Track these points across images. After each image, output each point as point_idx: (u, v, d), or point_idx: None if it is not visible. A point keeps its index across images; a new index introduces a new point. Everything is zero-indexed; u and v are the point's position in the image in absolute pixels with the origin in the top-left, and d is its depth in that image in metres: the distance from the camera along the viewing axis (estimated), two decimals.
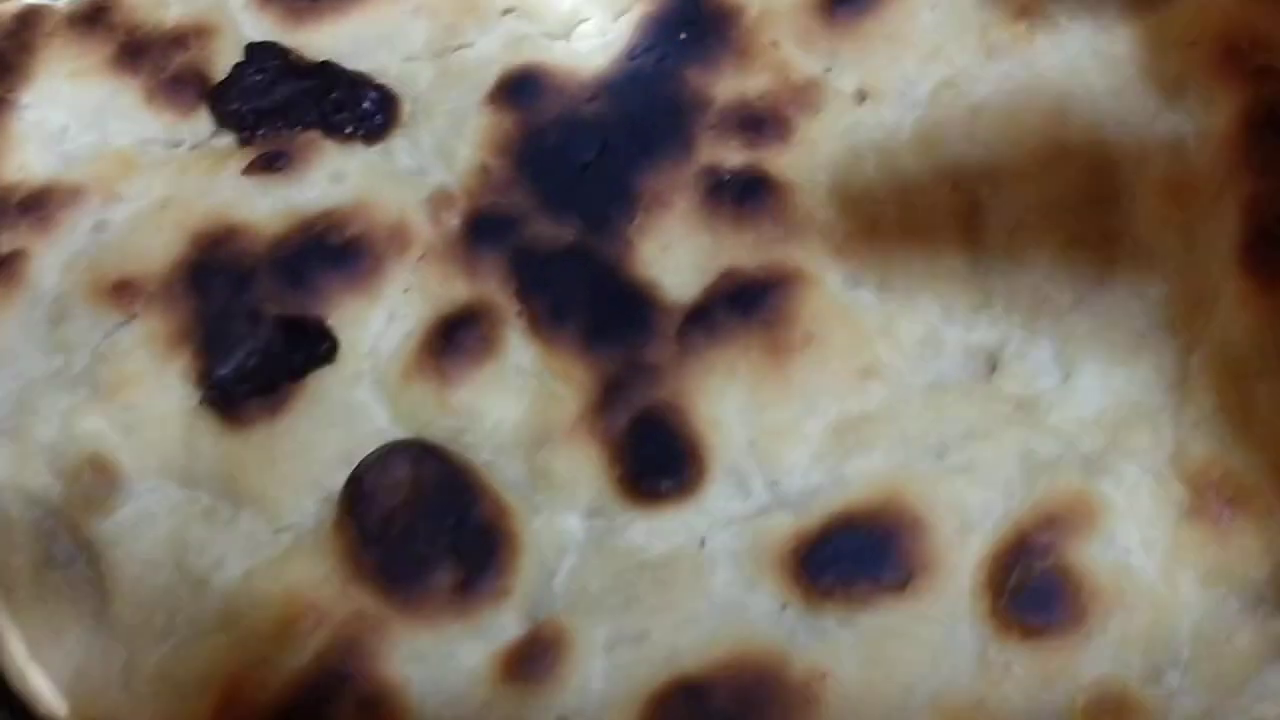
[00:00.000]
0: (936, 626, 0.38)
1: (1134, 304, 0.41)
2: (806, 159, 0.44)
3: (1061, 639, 0.37)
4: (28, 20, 0.48)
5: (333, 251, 0.44)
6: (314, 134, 0.46)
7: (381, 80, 0.47)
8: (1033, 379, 0.41)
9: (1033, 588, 0.38)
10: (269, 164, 0.45)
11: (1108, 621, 0.37)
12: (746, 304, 0.42)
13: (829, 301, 0.42)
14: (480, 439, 0.42)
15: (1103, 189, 0.43)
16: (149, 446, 0.42)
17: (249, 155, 0.46)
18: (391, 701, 0.39)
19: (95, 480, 0.42)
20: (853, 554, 0.39)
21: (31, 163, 0.46)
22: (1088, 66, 0.44)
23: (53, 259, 0.45)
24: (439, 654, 0.39)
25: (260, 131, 0.46)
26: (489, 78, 0.46)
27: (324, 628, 0.39)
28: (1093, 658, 0.37)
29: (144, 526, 0.42)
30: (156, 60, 0.47)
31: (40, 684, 0.41)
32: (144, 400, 0.43)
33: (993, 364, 0.41)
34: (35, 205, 0.45)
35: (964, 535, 0.39)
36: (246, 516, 0.41)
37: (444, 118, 0.46)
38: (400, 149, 0.46)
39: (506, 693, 0.39)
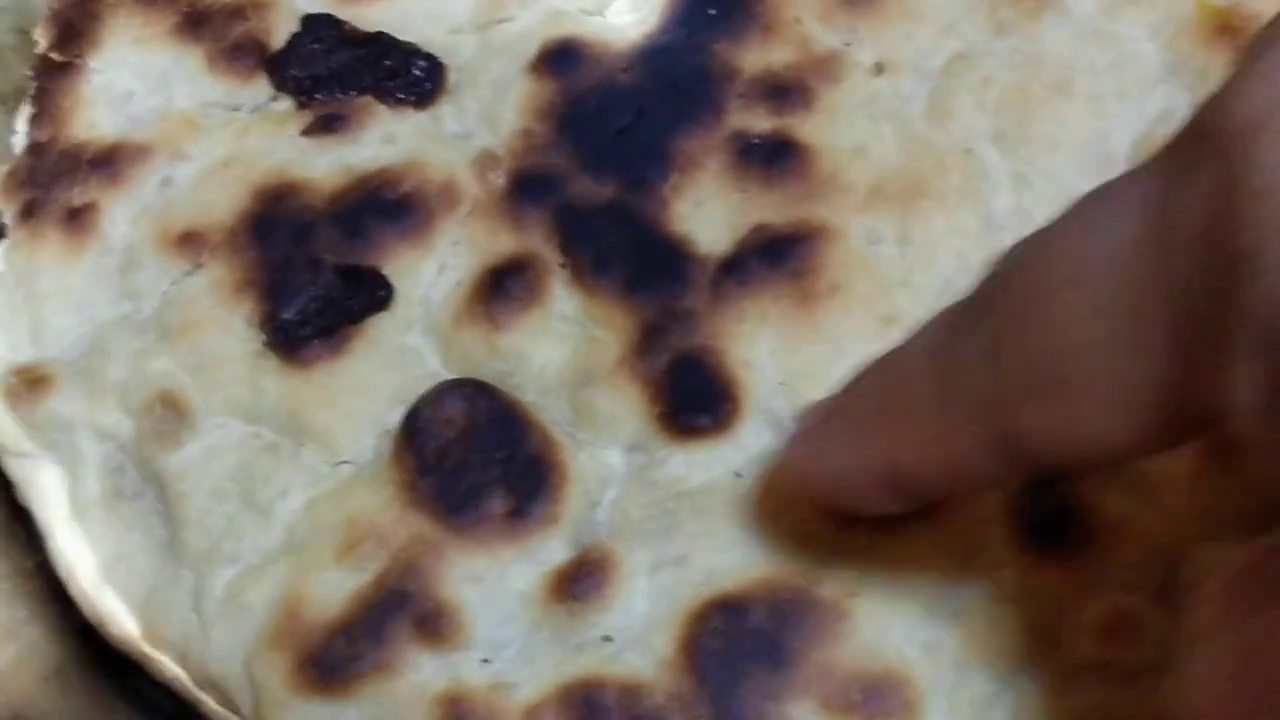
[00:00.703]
0: (953, 553, 0.41)
1: None
2: (829, 125, 0.47)
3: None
4: None
5: (388, 205, 0.46)
6: (368, 99, 0.49)
7: (429, 50, 0.50)
8: None
9: None
10: (326, 126, 0.48)
11: None
12: (775, 255, 0.45)
13: (852, 254, 0.45)
14: (527, 380, 0.45)
15: (1103, 153, 0.46)
16: (216, 385, 0.45)
17: (307, 118, 0.48)
18: (448, 618, 0.41)
19: (165, 417, 0.45)
20: None
21: (100, 123, 0.49)
22: (1090, 44, 0.47)
23: (122, 211, 0.47)
24: (492, 575, 0.42)
25: (317, 96, 0.49)
26: (530, 49, 0.49)
27: (384, 551, 0.42)
28: None
29: (211, 460, 0.44)
30: (217, 29, 0.50)
31: (112, 606, 0.44)
32: (211, 343, 0.45)
33: None
34: (105, 161, 0.48)
35: None
36: (308, 450, 0.44)
37: (487, 86, 0.49)
38: (447, 114, 0.49)
39: (556, 611, 0.41)
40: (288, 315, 0.45)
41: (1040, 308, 0.32)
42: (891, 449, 0.37)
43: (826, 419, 0.40)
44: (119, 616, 0.44)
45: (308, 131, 0.48)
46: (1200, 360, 0.29)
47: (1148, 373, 0.30)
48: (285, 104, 0.49)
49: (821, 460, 0.40)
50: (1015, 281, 0.34)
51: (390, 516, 0.43)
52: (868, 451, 0.38)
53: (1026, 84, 0.47)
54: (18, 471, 0.45)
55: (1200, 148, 0.29)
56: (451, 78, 0.49)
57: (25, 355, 0.46)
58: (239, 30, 0.50)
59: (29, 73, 0.50)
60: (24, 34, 0.55)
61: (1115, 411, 0.31)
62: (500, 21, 0.50)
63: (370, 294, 0.45)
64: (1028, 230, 0.43)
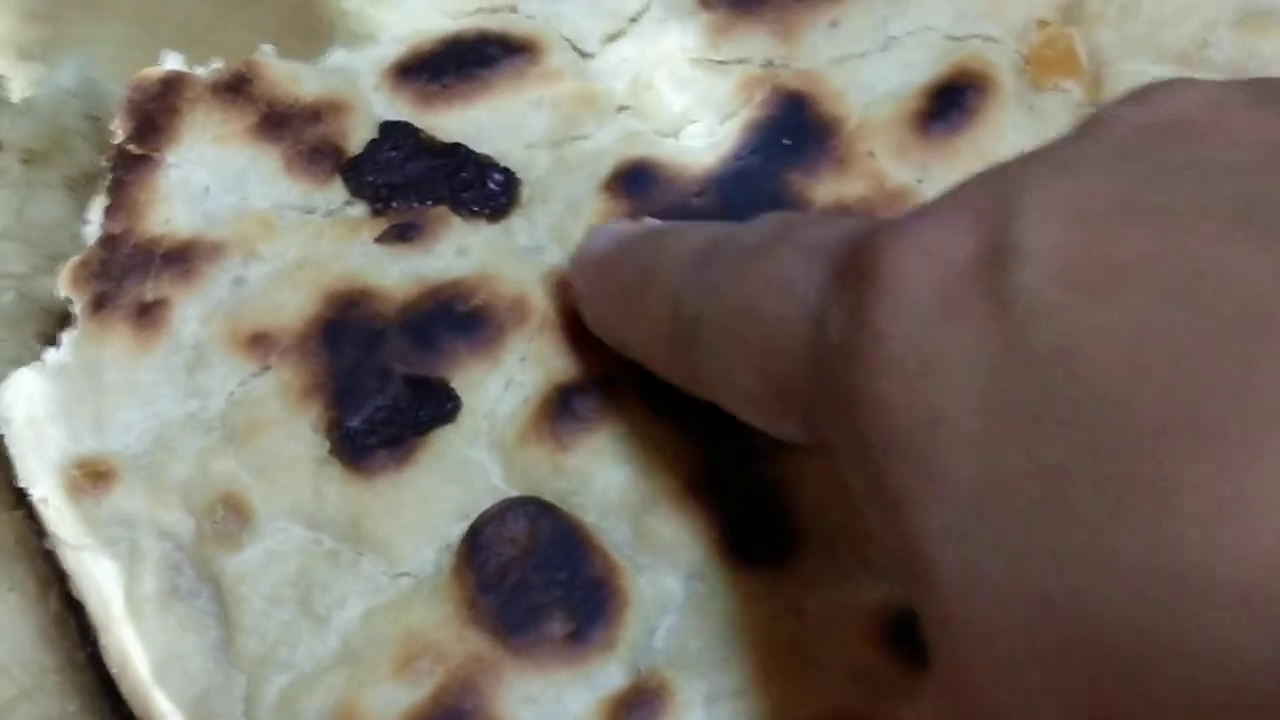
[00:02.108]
0: None
1: None
2: None
3: None
4: (173, 85, 0.51)
5: (458, 318, 0.47)
6: (443, 209, 0.49)
7: (504, 163, 0.50)
8: None
9: None
10: (401, 234, 0.48)
11: None
12: None
13: None
14: (589, 501, 0.45)
15: None
16: (279, 489, 0.45)
17: (381, 225, 0.49)
18: None
19: (226, 518, 0.45)
20: None
21: (176, 218, 0.49)
22: None
23: (193, 309, 0.47)
24: (549, 698, 0.42)
25: (393, 204, 0.49)
26: (604, 168, 0.49)
27: (441, 667, 0.42)
28: None
29: (270, 564, 0.44)
30: (295, 131, 0.50)
31: (163, 705, 0.44)
32: (276, 446, 0.45)
33: None
34: (179, 258, 0.48)
35: None
36: (368, 560, 0.44)
37: (560, 202, 0.49)
38: (519, 228, 0.49)
39: None
40: (354, 423, 0.45)
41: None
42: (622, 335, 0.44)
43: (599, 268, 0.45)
44: (169, 717, 0.44)
45: (382, 239, 0.48)
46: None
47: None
48: (359, 209, 0.49)
49: (585, 307, 0.45)
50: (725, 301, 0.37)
51: (448, 633, 0.42)
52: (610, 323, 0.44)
53: None
54: (74, 564, 0.45)
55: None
56: (525, 192, 0.50)
57: (88, 447, 0.46)
58: (316, 133, 0.50)
59: (104, 162, 0.50)
60: (94, 120, 0.56)
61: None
62: (575, 139, 0.50)
63: (438, 406, 0.45)
64: None
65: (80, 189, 0.54)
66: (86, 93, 0.56)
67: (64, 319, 0.50)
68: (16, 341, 0.51)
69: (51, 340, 0.49)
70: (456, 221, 0.49)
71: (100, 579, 0.45)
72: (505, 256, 0.48)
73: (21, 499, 0.46)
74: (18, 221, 0.53)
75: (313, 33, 0.57)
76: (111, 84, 0.56)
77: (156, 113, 0.50)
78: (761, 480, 0.44)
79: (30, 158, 0.55)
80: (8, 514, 0.47)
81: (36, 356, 0.49)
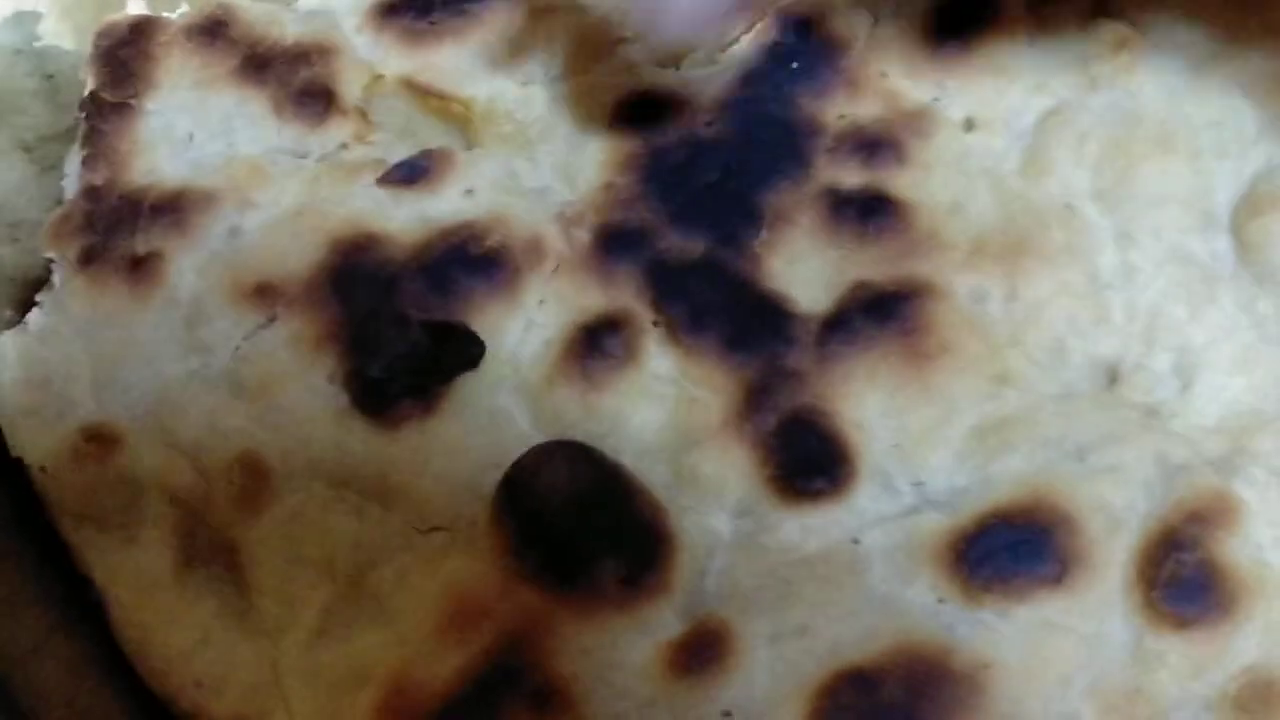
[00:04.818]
0: (1091, 619, 0.39)
1: (1243, 319, 0.43)
2: (923, 180, 0.46)
3: (1212, 629, 0.39)
4: (144, 29, 0.48)
5: (473, 260, 0.44)
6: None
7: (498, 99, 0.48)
8: (1153, 388, 0.43)
9: (1184, 580, 0.39)
10: (404, 177, 0.46)
11: (1254, 612, 0.39)
12: (882, 314, 0.43)
13: (959, 313, 0.43)
14: (624, 443, 0.42)
15: (1205, 210, 0.45)
16: (296, 446, 0.42)
17: (381, 168, 0.46)
18: (563, 694, 0.39)
19: (243, 479, 0.42)
20: (1008, 549, 0.40)
21: (160, 167, 0.46)
22: (1185, 99, 0.46)
23: (188, 261, 0.45)
24: (605, 649, 0.39)
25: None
26: (606, 102, 0.47)
27: (489, 624, 0.40)
28: (1242, 646, 0.39)
29: (292, 525, 0.42)
30: (280, 74, 0.47)
31: (182, 677, 0.41)
32: (290, 400, 0.43)
33: (1114, 375, 0.43)
34: (168, 208, 0.45)
35: (1111, 532, 0.40)
36: (397, 515, 0.42)
37: (561, 140, 0.47)
38: (522, 170, 0.47)
39: (673, 687, 0.39)
40: (374, 372, 0.43)
41: None
42: None
43: None
44: (189, 689, 0.41)
45: (383, 181, 0.46)
46: None
47: None
48: (355, 153, 0.47)
49: None
50: None
51: (492, 587, 0.40)
52: None
53: (1125, 140, 0.46)
54: (79, 537, 0.42)
55: None
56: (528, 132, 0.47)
57: (88, 411, 0.43)
58: (304, 75, 0.47)
59: (78, 113, 0.47)
60: (49, 78, 0.52)
61: None
62: (573, 74, 0.48)
63: (461, 351, 0.43)
64: (1136, 288, 0.43)
65: (37, 151, 0.51)
66: (36, 52, 0.53)
67: (36, 286, 0.47)
68: None
69: (27, 308, 0.46)
70: (462, 161, 0.46)
71: (108, 551, 0.42)
72: (514, 197, 0.46)
73: (15, 471, 0.43)
74: None
75: None
76: (60, 40, 0.53)
77: (130, 59, 0.47)
78: (803, 406, 0.42)
79: None
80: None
81: (12, 326, 0.46)
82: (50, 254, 0.45)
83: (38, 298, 0.45)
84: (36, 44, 0.52)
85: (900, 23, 0.48)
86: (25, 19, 0.53)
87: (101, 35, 0.48)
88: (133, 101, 0.47)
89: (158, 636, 0.41)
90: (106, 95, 0.47)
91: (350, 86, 0.47)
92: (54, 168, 0.50)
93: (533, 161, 0.47)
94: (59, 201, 0.48)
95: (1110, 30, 0.47)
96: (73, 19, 0.53)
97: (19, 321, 0.46)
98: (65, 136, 0.51)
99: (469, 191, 0.46)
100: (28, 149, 0.51)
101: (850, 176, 0.46)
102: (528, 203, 0.46)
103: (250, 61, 0.48)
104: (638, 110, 0.47)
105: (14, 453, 0.43)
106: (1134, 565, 0.40)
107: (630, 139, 0.47)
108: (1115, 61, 0.47)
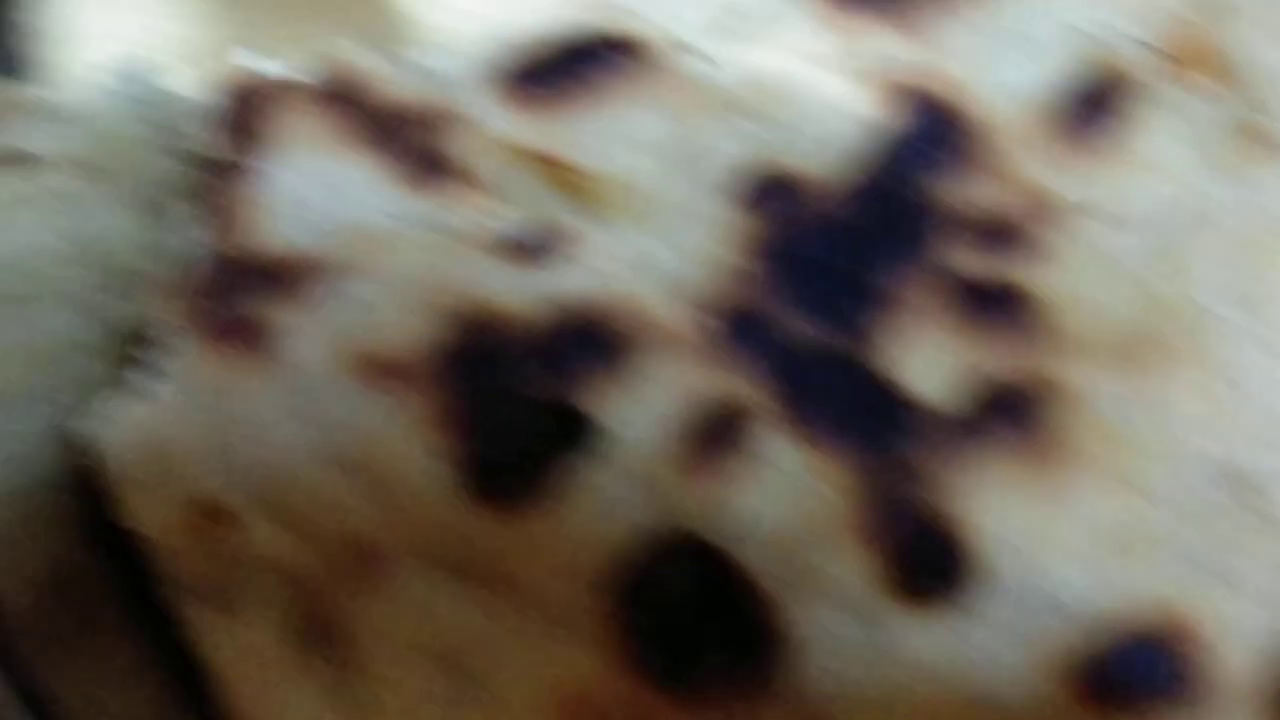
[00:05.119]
0: None
1: None
2: (1054, 274, 0.45)
3: None
4: (267, 86, 0.47)
5: (595, 341, 0.43)
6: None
7: (617, 173, 0.47)
8: None
9: None
10: (523, 250, 0.45)
11: None
12: (1009, 413, 0.42)
13: (1091, 415, 0.42)
14: (742, 536, 0.42)
15: None
16: (409, 528, 0.42)
17: (501, 241, 0.45)
18: None
19: (354, 560, 0.41)
20: (1133, 665, 0.39)
21: (282, 232, 0.45)
22: None
23: (306, 331, 0.44)
24: None
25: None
26: (730, 178, 0.46)
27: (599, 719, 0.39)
28: None
29: (402, 609, 0.41)
30: (405, 139, 0.46)
31: None
32: (404, 481, 0.42)
33: (1250, 485, 0.42)
34: (288, 276, 0.44)
35: (1242, 649, 0.39)
36: (510, 604, 0.41)
37: (687, 216, 0.46)
38: (647, 248, 0.46)
39: None
40: (490, 456, 0.42)
41: None
42: None
43: None
44: None
45: (506, 256, 0.45)
46: None
47: None
48: (480, 224, 0.46)
49: None
50: None
51: (605, 683, 0.40)
52: None
53: (1267, 239, 0.44)
54: (189, 612, 0.42)
55: None
56: (651, 206, 0.46)
57: (203, 485, 0.42)
58: (429, 141, 0.46)
59: (197, 171, 0.47)
60: (164, 128, 0.52)
61: None
62: (695, 146, 0.47)
63: (579, 436, 0.42)
64: (1276, 395, 0.42)
65: (150, 202, 0.50)
66: (148, 98, 0.52)
67: (142, 340, 0.46)
68: (91, 367, 0.47)
69: (132, 363, 0.45)
70: (586, 237, 0.45)
71: (218, 628, 0.42)
72: (638, 275, 0.45)
73: (122, 540, 0.43)
74: (71, 240, 0.49)
75: (381, 24, 0.54)
76: (177, 87, 0.52)
77: (252, 117, 0.47)
78: (925, 506, 0.41)
79: (83, 171, 0.51)
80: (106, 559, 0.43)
81: (116, 383, 0.45)
82: (165, 317, 0.44)
83: (148, 359, 0.44)
84: (152, 92, 0.52)
85: (1035, 107, 0.47)
86: (141, 66, 0.52)
87: (223, 91, 0.47)
88: (255, 163, 0.46)
89: (267, 717, 0.41)
90: (228, 155, 0.46)
91: (476, 154, 0.46)
92: (164, 219, 0.50)
93: (654, 235, 0.46)
94: (168, 255, 0.47)
95: (1250, 124, 0.46)
96: (191, 67, 0.52)
97: (124, 380, 0.45)
98: (177, 188, 0.50)
99: (593, 269, 0.45)
100: (138, 199, 0.50)
101: (979, 265, 0.45)
102: (652, 283, 0.45)
103: (374, 124, 0.47)
104: (764, 189, 0.46)
105: (124, 522, 0.42)
106: (1267, 687, 0.39)
107: (756, 217, 0.46)
108: (1250, 154, 0.46)
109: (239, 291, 0.44)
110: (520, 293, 0.44)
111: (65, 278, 0.48)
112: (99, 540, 0.43)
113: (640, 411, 0.43)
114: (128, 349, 0.47)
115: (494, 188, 0.46)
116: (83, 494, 0.43)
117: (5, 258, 0.47)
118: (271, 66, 0.48)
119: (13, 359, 0.46)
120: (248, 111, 0.47)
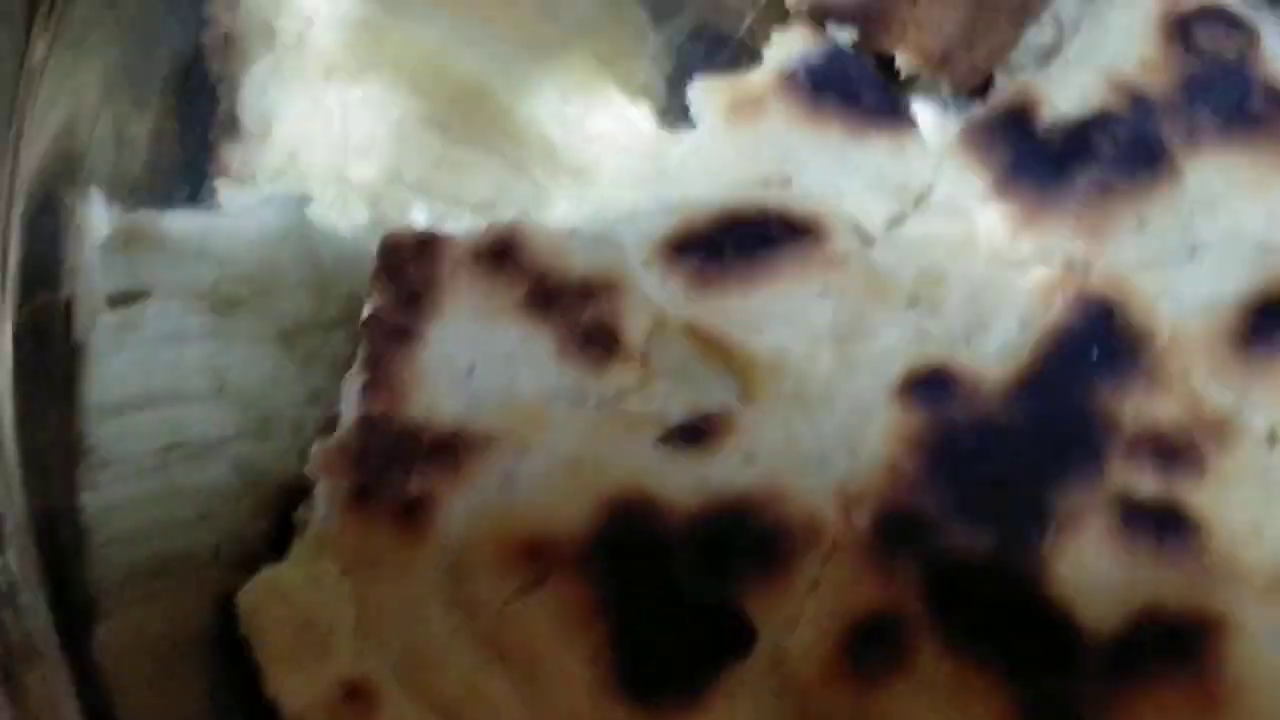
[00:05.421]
0: None
1: None
2: (1222, 496, 0.44)
3: None
4: (432, 247, 0.47)
5: (749, 537, 0.43)
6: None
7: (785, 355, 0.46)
8: None
9: None
10: (684, 435, 0.44)
11: None
12: (1172, 648, 0.41)
13: (1254, 652, 0.41)
14: None
15: None
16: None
17: (662, 425, 0.44)
18: None
19: None
20: None
21: (440, 402, 0.45)
22: None
23: (460, 507, 0.43)
24: None
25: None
26: (894, 372, 0.46)
27: None
28: None
29: None
30: (566, 310, 0.46)
31: None
32: (551, 674, 0.41)
33: None
34: (445, 449, 0.44)
35: None
36: None
37: (845, 405, 0.45)
38: (802, 433, 0.45)
39: None
40: (641, 655, 0.41)
41: None
42: None
43: None
44: None
45: (665, 439, 0.44)
46: None
47: None
48: (637, 403, 0.45)
49: None
50: None
51: None
52: None
53: None
54: None
55: None
56: (811, 393, 0.46)
57: (348, 663, 0.42)
58: (589, 314, 0.46)
59: (359, 329, 0.46)
60: (316, 265, 0.51)
61: None
62: (862, 335, 0.46)
63: (731, 639, 0.41)
64: None
65: (296, 340, 0.50)
66: (301, 233, 0.51)
67: (288, 489, 0.46)
68: (233, 516, 0.47)
69: (278, 512, 0.45)
70: (742, 422, 0.44)
71: None
72: (793, 464, 0.44)
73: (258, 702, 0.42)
74: (217, 380, 0.49)
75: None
76: (331, 224, 0.52)
77: (416, 280, 0.46)
78: None
79: (226, 306, 0.50)
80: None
81: (258, 533, 0.45)
82: (320, 482, 0.44)
83: (300, 521, 0.44)
84: (306, 228, 0.51)
85: (1207, 318, 0.46)
86: (296, 199, 0.52)
87: (387, 250, 0.47)
88: (416, 328, 0.46)
89: None
90: (390, 317, 0.46)
91: (635, 328, 0.46)
92: (313, 359, 0.50)
93: (813, 425, 0.45)
94: (317, 397, 0.47)
95: None
96: (347, 204, 0.52)
97: (268, 529, 0.45)
98: (327, 327, 0.50)
99: (748, 456, 0.44)
100: (286, 338, 0.50)
101: (1146, 483, 0.44)
102: (806, 473, 0.44)
103: (536, 293, 0.46)
104: (928, 385, 0.45)
105: (268, 693, 0.42)
106: None
107: (917, 413, 0.45)
108: None
109: (397, 464, 0.44)
110: (674, 478, 0.43)
111: (212, 419, 0.48)
112: (240, 706, 0.43)
113: (791, 613, 0.42)
114: (277, 497, 0.47)
115: (656, 366, 0.46)
116: (232, 657, 0.43)
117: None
118: (439, 222, 0.48)
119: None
120: (413, 272, 0.46)
